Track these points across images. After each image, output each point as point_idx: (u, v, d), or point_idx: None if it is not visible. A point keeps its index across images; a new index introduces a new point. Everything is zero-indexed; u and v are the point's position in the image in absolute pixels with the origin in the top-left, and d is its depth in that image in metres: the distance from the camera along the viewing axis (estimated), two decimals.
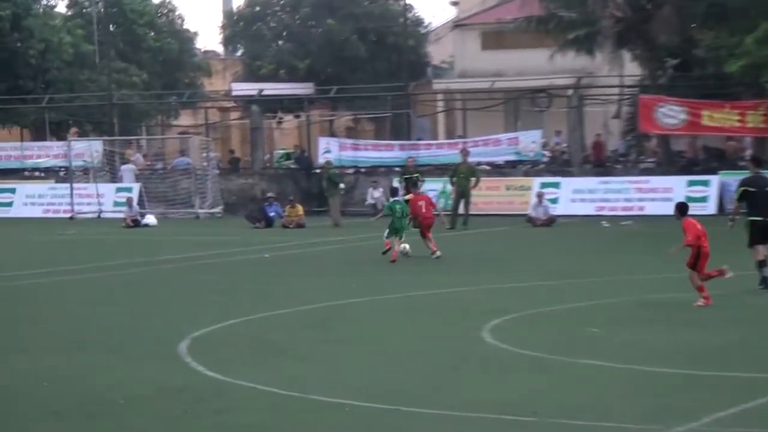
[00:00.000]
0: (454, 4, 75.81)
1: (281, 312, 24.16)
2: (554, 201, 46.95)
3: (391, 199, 34.57)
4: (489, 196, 47.37)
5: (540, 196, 45.68)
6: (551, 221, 44.04)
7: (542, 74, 57.49)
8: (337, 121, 65.10)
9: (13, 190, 56.54)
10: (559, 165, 52.57)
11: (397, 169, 50.27)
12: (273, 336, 21.25)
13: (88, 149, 56.77)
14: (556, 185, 48.52)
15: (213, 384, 16.91)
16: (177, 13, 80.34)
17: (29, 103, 64.74)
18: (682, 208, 23.11)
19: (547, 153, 53.86)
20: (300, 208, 46.73)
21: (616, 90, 56.20)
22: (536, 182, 48.35)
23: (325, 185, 48.11)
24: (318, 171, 52.64)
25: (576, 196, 48.42)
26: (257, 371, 17.58)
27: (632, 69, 55.21)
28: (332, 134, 60.21)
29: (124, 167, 56.55)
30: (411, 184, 40.09)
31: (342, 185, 47.87)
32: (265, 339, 20.91)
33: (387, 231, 32.93)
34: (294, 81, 63.22)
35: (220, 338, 21.08)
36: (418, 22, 70.27)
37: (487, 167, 50.36)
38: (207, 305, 25.45)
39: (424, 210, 33.55)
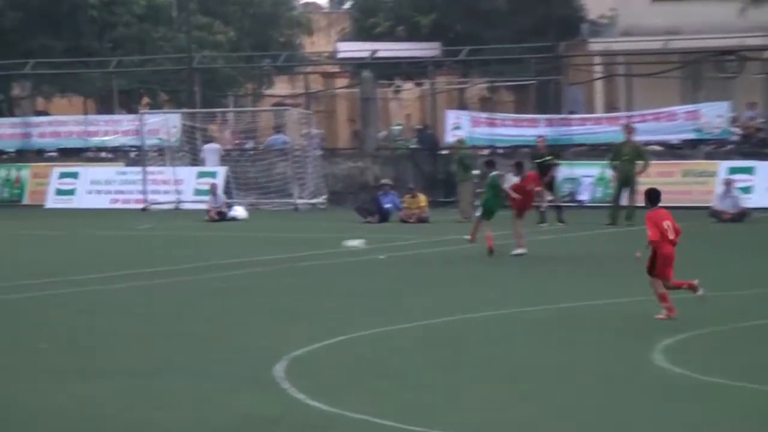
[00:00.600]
0: None
1: (399, 327, 24.19)
2: (746, 190, 46.21)
3: (492, 173, 34.85)
4: (661, 184, 46.59)
5: (728, 183, 45.26)
6: (742, 215, 43.60)
7: (731, 32, 56.57)
8: (469, 90, 64.76)
9: (75, 175, 57.27)
10: (753, 145, 51.52)
11: None
12: (388, 357, 21.27)
13: (164, 124, 57.40)
14: (748, 170, 47.87)
15: (315, 415, 16.88)
16: None
17: (92, 67, 65.42)
18: (650, 196, 23.36)
19: (737, 130, 52.47)
20: (422, 199, 46.71)
21: None
22: (723, 167, 47.79)
23: (454, 169, 48.05)
24: (445, 152, 52.54)
25: None
26: (369, 400, 17.57)
27: None
28: (463, 106, 60.03)
29: (207, 147, 57.16)
30: (542, 169, 40.31)
31: (476, 170, 47.53)
32: (379, 360, 20.98)
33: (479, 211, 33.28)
34: (415, 41, 63.15)
35: (323, 359, 21.17)
36: None
37: (659, 148, 49.88)
38: (308, 318, 25.64)
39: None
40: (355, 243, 33.19)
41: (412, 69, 63.31)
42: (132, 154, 58.03)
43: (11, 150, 60.40)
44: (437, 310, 26.08)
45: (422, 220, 45.21)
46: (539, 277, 31.23)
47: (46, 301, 29.11)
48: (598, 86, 61.61)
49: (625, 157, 43.34)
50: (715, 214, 43.56)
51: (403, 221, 45.03)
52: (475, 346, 22.57)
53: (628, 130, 45.76)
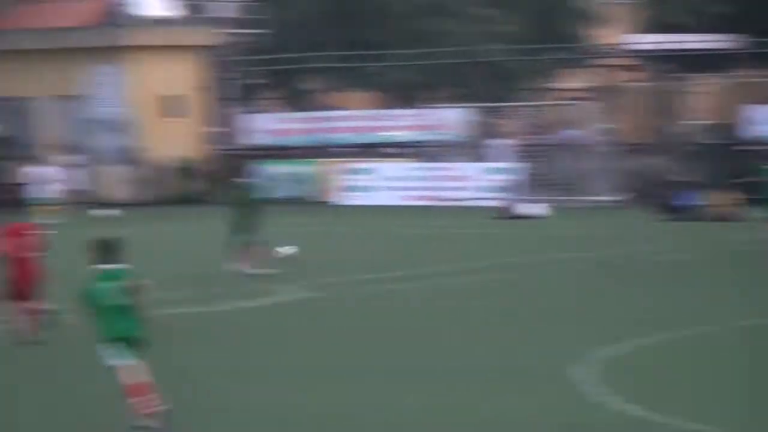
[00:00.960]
0: None
1: (711, 329, 24.20)
2: None
3: None
4: None
5: None
6: None
7: None
8: None
9: (369, 171, 58.56)
10: None
11: None
12: (703, 360, 21.22)
13: (455, 119, 58.06)
14: None
15: (629, 422, 16.95)
16: None
17: (374, 61, 66.38)
18: None
19: None
20: (729, 196, 46.51)
21: None
22: None
23: (762, 167, 47.86)
24: (751, 149, 52.31)
25: None
26: (689, 406, 17.50)
27: None
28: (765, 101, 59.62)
29: (495, 143, 57.51)
30: None
31: None
32: (694, 364, 20.86)
33: None
34: (712, 32, 62.79)
35: (631, 361, 21.25)
36: None
37: None
38: (611, 318, 25.73)
39: None
40: (287, 250, 33.65)
41: (711, 62, 63.01)
42: (416, 150, 58.50)
43: (301, 145, 61.43)
44: (754, 310, 25.93)
45: (727, 218, 44.88)
46: None
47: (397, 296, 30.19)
48: None
49: None
50: None
51: (708, 219, 44.46)
52: None
53: None
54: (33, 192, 51.49)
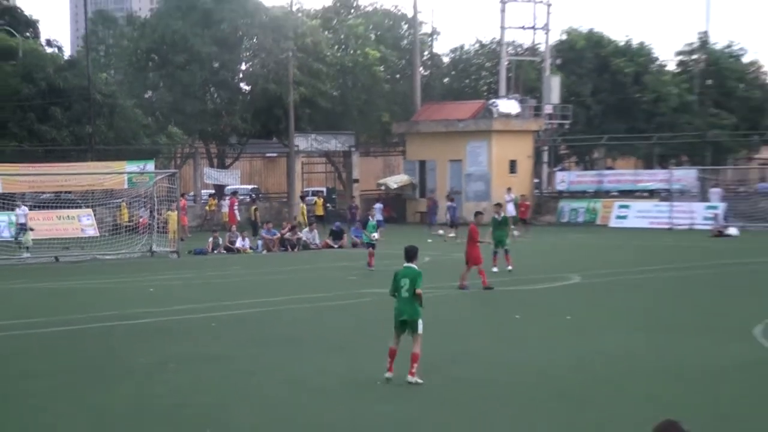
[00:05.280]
0: None
1: None
2: None
3: None
4: None
5: None
6: None
7: None
8: None
9: (628, 206, 56.84)
10: None
11: None
12: None
13: (689, 176, 56.92)
14: None
15: None
16: (762, 69, 78.65)
17: (641, 140, 65.81)
18: None
19: None
20: None
21: None
22: None
23: None
24: None
25: None
26: None
27: None
28: None
29: (712, 190, 56.13)
30: None
31: None
32: None
33: None
34: None
35: None
36: None
37: None
38: None
39: None
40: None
41: None
42: (662, 194, 57.10)
43: (589, 190, 60.95)
44: None
45: None
46: None
47: None
48: None
49: None
50: None
51: None
52: None
53: None
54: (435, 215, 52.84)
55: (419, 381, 14.54)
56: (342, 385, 15.09)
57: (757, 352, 17.32)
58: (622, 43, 74.23)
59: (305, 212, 50.90)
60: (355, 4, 73.39)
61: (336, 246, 44.22)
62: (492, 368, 15.95)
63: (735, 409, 13.17)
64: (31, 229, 41.28)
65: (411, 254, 15.26)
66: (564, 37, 73.78)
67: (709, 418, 12.41)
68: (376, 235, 33.91)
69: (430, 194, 59.33)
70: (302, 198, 54.81)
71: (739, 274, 31.04)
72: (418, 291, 14.68)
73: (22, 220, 41.78)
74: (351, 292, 27.19)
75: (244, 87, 64.53)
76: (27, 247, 40.09)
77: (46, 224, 46.05)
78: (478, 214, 29.44)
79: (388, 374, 14.87)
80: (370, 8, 72.90)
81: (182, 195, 56.57)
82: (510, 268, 30.64)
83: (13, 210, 43.07)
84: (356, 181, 66.05)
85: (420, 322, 14.70)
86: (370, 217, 36.16)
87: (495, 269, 30.15)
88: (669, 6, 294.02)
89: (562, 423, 12.78)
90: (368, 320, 21.85)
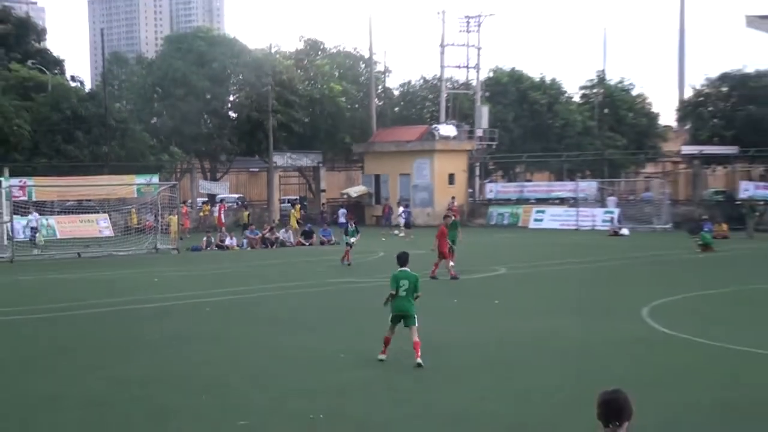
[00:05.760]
0: None
1: (709, 292, 23.30)
2: None
3: None
4: None
5: None
6: None
7: None
8: (753, 171, 61.82)
9: (544, 211, 57.01)
10: None
11: None
12: (707, 307, 20.61)
13: (588, 186, 57.32)
14: None
15: (663, 336, 16.82)
16: (647, 100, 79.57)
17: (554, 157, 66.20)
18: None
19: None
20: (725, 226, 44.97)
21: None
22: None
23: (745, 212, 46.35)
24: (739, 202, 50.49)
25: None
26: (691, 329, 17.10)
27: None
28: (750, 179, 57.37)
29: (609, 198, 56.57)
30: None
31: (757, 212, 46.02)
32: (700, 309, 20.27)
33: None
34: (723, 145, 60.68)
35: (671, 307, 20.59)
36: None
37: None
38: (661, 284, 24.89)
39: None
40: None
41: (721, 159, 60.88)
42: (570, 201, 57.33)
43: (513, 198, 61.15)
44: (740, 280, 25.06)
45: (724, 237, 42.45)
46: None
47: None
48: None
49: None
50: None
51: (715, 237, 41.42)
52: (761, 302, 22.08)
53: None
54: (390, 218, 52.89)
55: (422, 362, 13.96)
56: (314, 358, 15.12)
57: (644, 330, 17.50)
58: (538, 79, 74.68)
59: (297, 216, 51.13)
60: (322, 47, 73.31)
61: (307, 244, 44.15)
62: (435, 342, 16.03)
63: (630, 373, 13.34)
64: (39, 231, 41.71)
65: (404, 259, 14.75)
66: (491, 74, 74.13)
67: (610, 382, 12.54)
68: (353, 239, 32.81)
69: (385, 201, 59.49)
70: (293, 204, 54.79)
71: (630, 266, 31.27)
72: (420, 294, 14.40)
73: (33, 224, 41.91)
74: (320, 281, 27.18)
75: (232, 114, 64.35)
76: (39, 246, 40.27)
77: (71, 226, 45.57)
78: (446, 217, 29.35)
79: (382, 356, 14.36)
80: (334, 50, 72.87)
81: (183, 202, 56.31)
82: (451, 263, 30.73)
83: (31, 215, 42.67)
84: (323, 191, 66.16)
85: (415, 316, 14.28)
86: (350, 224, 34.40)
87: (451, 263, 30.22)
88: (574, 49, 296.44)
89: (492, 387, 12.89)
90: (334, 305, 21.89)
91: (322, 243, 44.00)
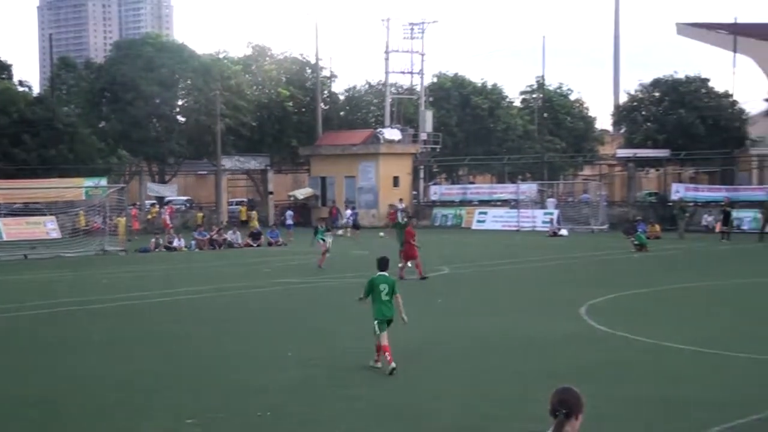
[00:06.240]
0: (767, 100, 71.85)
1: (644, 290, 23.58)
2: None
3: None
4: None
5: None
6: None
7: None
8: (684, 173, 62.91)
9: (486, 213, 57.14)
10: None
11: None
12: (640, 305, 20.85)
13: (529, 188, 57.68)
14: None
15: (600, 333, 16.95)
16: (585, 105, 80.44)
17: (496, 160, 66.50)
18: None
19: None
20: (658, 227, 45.66)
21: None
22: None
23: (676, 213, 47.07)
24: (671, 204, 51.30)
25: None
26: (629, 326, 17.24)
27: None
28: (680, 181, 58.34)
29: (549, 200, 56.98)
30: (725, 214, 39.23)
31: (687, 212, 46.79)
32: (635, 307, 20.51)
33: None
34: (656, 148, 61.56)
35: (607, 305, 20.77)
36: (741, 111, 66.94)
37: None
38: (599, 283, 25.20)
39: None
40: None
41: (654, 163, 61.85)
42: (512, 203, 57.82)
43: (456, 200, 61.37)
44: (657, 282, 25.27)
45: (657, 237, 43.52)
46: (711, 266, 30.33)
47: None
48: (755, 172, 58.77)
49: (765, 208, 42.11)
50: None
51: (649, 237, 42.74)
52: (681, 300, 22.21)
53: None
54: (337, 219, 52.71)
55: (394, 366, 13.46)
56: (261, 357, 14.94)
57: (582, 326, 17.63)
58: (480, 85, 75.05)
59: (257, 218, 50.88)
60: (269, 53, 72.85)
61: (255, 245, 43.82)
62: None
63: (569, 367, 13.40)
64: None
65: (383, 264, 14.32)
66: (435, 80, 74.34)
67: (550, 378, 12.60)
68: (326, 240, 31.94)
69: (333, 203, 59.35)
70: (251, 207, 54.33)
71: (569, 266, 31.52)
72: (398, 296, 13.80)
73: None
74: (267, 282, 26.97)
75: (181, 118, 63.65)
76: None
77: (17, 228, 44.56)
78: (411, 218, 29.08)
79: (377, 364, 13.74)
80: (281, 56, 72.45)
81: (133, 205, 55.50)
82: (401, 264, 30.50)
83: None
84: (271, 193, 65.69)
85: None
86: (319, 225, 33.59)
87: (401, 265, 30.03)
88: (514, 55, 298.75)
89: (436, 385, 12.82)
90: (280, 305, 21.73)
91: (270, 244, 43.70)
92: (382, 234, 46.16)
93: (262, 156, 65.83)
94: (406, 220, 31.75)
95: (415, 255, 27.03)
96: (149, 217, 57.49)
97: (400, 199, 57.00)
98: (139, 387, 12.72)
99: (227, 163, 62.44)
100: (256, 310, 21.02)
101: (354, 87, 77.17)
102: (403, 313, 13.73)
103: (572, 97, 79.44)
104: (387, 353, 13.46)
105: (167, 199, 62.22)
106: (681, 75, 65.55)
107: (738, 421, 10.45)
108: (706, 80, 66.06)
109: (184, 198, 68.37)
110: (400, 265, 26.75)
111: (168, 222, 50.48)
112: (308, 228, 56.69)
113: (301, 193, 64.00)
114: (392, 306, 13.76)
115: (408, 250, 26.93)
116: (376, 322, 13.69)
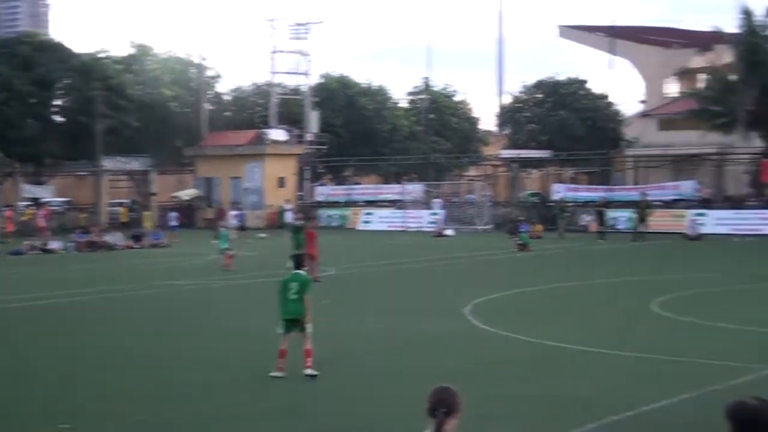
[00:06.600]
0: (642, 102, 74.41)
1: (526, 289, 24.08)
2: (702, 224, 44.90)
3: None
4: (659, 221, 45.69)
5: (693, 221, 44.35)
6: (700, 237, 42.67)
7: (697, 146, 55.51)
8: (564, 174, 64.53)
9: (372, 213, 57.47)
10: (705, 202, 50.31)
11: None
12: (523, 305, 21.25)
13: (414, 189, 58.11)
14: (703, 214, 46.53)
15: (483, 332, 17.16)
16: (469, 106, 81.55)
17: (382, 161, 66.79)
18: None
19: (698, 194, 51.20)
20: (539, 226, 46.62)
21: (745, 156, 53.81)
22: (690, 212, 46.53)
23: (556, 213, 48.09)
24: (552, 204, 52.49)
25: (718, 221, 46.03)
26: (513, 326, 17.46)
27: (757, 143, 52.71)
28: (561, 182, 59.76)
29: (434, 200, 57.53)
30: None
31: (566, 212, 47.84)
32: (518, 306, 20.89)
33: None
34: (539, 149, 62.94)
35: (491, 304, 21.03)
36: (617, 113, 69.16)
37: (659, 202, 48.94)
38: (483, 283, 25.48)
39: None
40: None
41: (537, 163, 63.28)
42: (398, 203, 58.25)
43: (342, 201, 61.26)
44: (543, 281, 26.08)
45: (538, 237, 44.46)
46: (587, 264, 31.19)
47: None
48: (630, 173, 60.76)
49: (642, 207, 43.67)
50: (686, 237, 42.86)
51: (531, 237, 43.85)
52: (567, 298, 22.69)
53: (643, 194, 45.66)
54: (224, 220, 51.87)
55: (315, 373, 13.04)
56: (139, 359, 14.58)
57: (466, 326, 17.83)
58: (365, 85, 75.22)
59: (153, 218, 49.63)
60: (153, 52, 71.32)
61: (137, 247, 42.84)
62: (270, 342, 15.80)
63: (453, 367, 13.51)
64: None
65: (298, 261, 14.04)
66: (321, 80, 74.18)
67: (435, 378, 12.65)
68: (218, 242, 31.40)
69: (219, 204, 58.63)
70: (146, 207, 53.00)
71: (454, 266, 31.85)
72: (307, 296, 13.25)
73: None
74: (147, 283, 26.39)
75: (59, 119, 61.77)
76: None
77: None
78: (311, 219, 29.06)
79: (277, 373, 13.00)
80: (165, 56, 71.02)
81: (7, 206, 53.46)
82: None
83: None
84: (154, 194, 64.37)
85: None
86: (222, 228, 32.74)
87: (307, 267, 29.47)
88: (400, 56, 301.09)
89: (321, 386, 12.74)
90: (162, 307, 21.30)
91: (152, 246, 42.80)
92: (262, 235, 46.18)
93: (144, 157, 64.44)
94: (301, 222, 31.73)
95: (314, 256, 26.88)
96: (23, 218, 55.52)
97: (287, 200, 56.63)
98: (10, 393, 12.22)
99: (108, 163, 60.91)
100: (135, 311, 20.51)
101: (239, 87, 76.34)
102: (308, 316, 13.22)
103: (457, 99, 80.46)
104: (307, 357, 13.01)
105: (44, 200, 60.27)
106: (562, 77, 67.28)
107: (611, 417, 10.72)
108: (585, 82, 68.01)
109: (63, 199, 66.34)
110: (306, 268, 26.53)
111: (42, 224, 48.79)
112: (193, 230, 56.29)
113: (186, 195, 63.01)
114: (300, 305, 13.23)
115: (311, 251, 26.66)
116: (280, 322, 13.31)
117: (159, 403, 11.88)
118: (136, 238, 43.86)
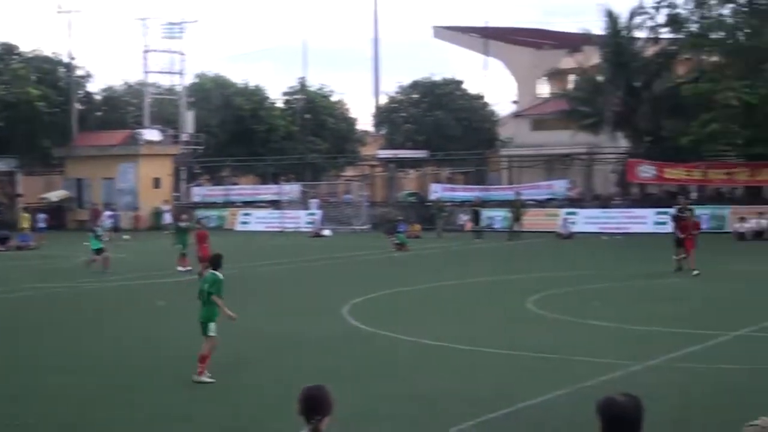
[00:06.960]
0: (515, 102, 76.15)
1: (404, 289, 24.33)
2: (573, 223, 46.35)
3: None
4: (532, 220, 46.91)
5: (565, 219, 45.67)
6: (571, 236, 43.98)
7: (568, 146, 57.20)
8: (441, 174, 65.43)
9: (250, 214, 57.07)
10: (576, 201, 51.93)
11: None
12: (401, 304, 21.49)
13: (294, 189, 57.93)
14: (575, 213, 48.05)
15: (363, 332, 17.28)
16: (346, 106, 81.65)
17: (259, 161, 66.28)
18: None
19: (569, 194, 52.88)
20: (418, 227, 47.10)
21: (613, 156, 55.74)
22: (562, 211, 47.94)
23: (434, 212, 48.72)
24: (430, 204, 53.13)
25: (587, 220, 47.57)
26: (393, 326, 17.65)
27: (623, 143, 54.72)
28: (438, 182, 60.56)
29: (312, 200, 57.44)
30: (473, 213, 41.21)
31: (444, 212, 48.54)
32: (396, 306, 21.10)
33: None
34: (416, 149, 63.63)
35: (370, 304, 21.22)
36: (492, 113, 70.63)
37: (533, 202, 50.20)
38: (361, 283, 25.65)
39: None
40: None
41: (414, 163, 63.94)
42: (275, 204, 58.01)
43: (219, 201, 60.71)
44: (420, 281, 26.28)
45: (416, 237, 44.95)
46: (465, 264, 31.61)
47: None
48: (504, 172, 62.05)
49: (516, 206, 44.57)
50: (558, 235, 44.06)
51: (409, 237, 44.25)
52: (442, 299, 22.96)
53: (518, 193, 46.74)
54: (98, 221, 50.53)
55: (206, 380, 12.68)
56: (18, 364, 14.08)
57: (345, 326, 17.97)
58: (241, 85, 74.49)
59: (29, 220, 47.73)
60: (18, 51, 68.76)
61: (2, 249, 41.29)
62: (151, 343, 15.48)
63: (331, 367, 13.49)
64: None
65: (215, 262, 13.84)
66: (196, 80, 73.04)
67: (314, 378, 12.66)
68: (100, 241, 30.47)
69: (93, 205, 57.09)
70: (25, 209, 50.93)
71: (331, 266, 31.97)
72: (213, 297, 13.03)
73: None
74: (15, 287, 25.54)
75: None
76: None
77: None
78: (201, 220, 29.10)
79: (201, 377, 12.71)
80: (31, 54, 68.57)
81: None
82: (187, 268, 29.22)
83: None
84: (20, 195, 62.23)
85: (211, 325, 12.95)
86: (94, 229, 32.15)
87: (180, 269, 28.98)
88: (275, 55, 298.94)
89: (205, 387, 12.57)
90: (34, 310, 20.60)
91: (19, 248, 41.34)
92: (126, 237, 45.53)
93: (10, 157, 62.19)
94: (186, 224, 31.23)
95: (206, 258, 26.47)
96: None
97: (166, 201, 55.56)
98: None
99: None
100: (5, 317, 19.76)
101: (111, 87, 74.44)
102: (226, 310, 13.14)
103: (334, 99, 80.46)
104: (200, 362, 12.78)
105: None
106: (438, 77, 68.17)
107: (489, 415, 10.96)
108: (461, 82, 69.11)
109: None
110: (200, 270, 26.11)
111: None
112: (63, 231, 54.60)
113: (55, 196, 61.23)
114: (205, 307, 13.04)
115: (203, 252, 26.28)
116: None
117: (33, 404, 11.50)
118: (2, 240, 42.31)
